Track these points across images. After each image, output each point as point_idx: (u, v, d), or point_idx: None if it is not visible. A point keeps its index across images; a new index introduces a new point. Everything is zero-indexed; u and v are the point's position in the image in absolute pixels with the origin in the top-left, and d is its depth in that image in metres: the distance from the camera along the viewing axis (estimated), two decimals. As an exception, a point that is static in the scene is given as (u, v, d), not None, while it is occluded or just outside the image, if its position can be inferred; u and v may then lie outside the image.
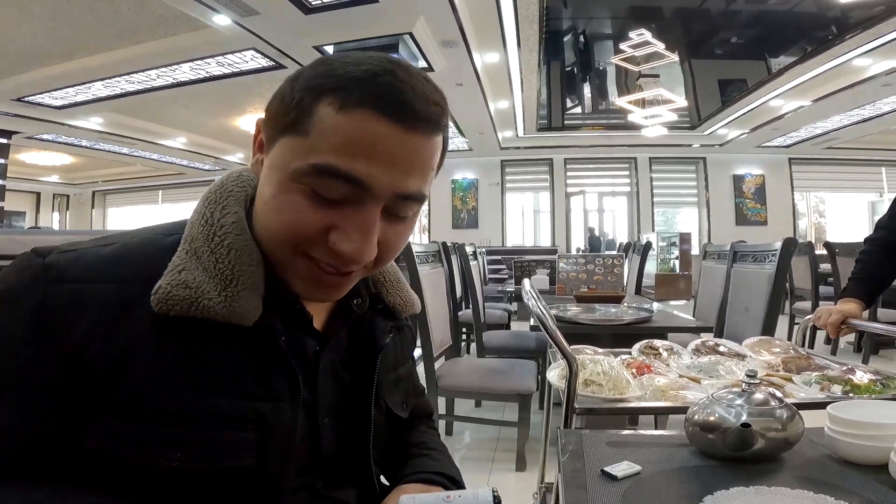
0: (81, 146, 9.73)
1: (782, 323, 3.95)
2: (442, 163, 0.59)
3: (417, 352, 2.34)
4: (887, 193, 10.65)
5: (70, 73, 6.00)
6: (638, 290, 4.39)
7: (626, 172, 11.11)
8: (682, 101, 6.89)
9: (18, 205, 13.15)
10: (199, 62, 5.76)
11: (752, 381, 0.81)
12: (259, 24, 4.78)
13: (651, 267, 7.77)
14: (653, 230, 10.24)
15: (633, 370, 1.23)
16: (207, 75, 6.15)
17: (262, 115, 0.58)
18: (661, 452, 0.79)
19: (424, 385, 1.20)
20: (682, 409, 0.86)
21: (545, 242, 11.06)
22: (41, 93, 6.65)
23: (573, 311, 2.56)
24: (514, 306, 5.13)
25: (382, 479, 0.75)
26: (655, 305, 3.02)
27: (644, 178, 10.90)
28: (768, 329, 2.05)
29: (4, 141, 8.38)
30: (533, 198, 11.63)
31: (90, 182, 14.22)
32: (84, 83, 6.32)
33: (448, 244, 3.35)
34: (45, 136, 8.87)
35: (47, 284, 0.52)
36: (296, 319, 0.61)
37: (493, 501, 0.56)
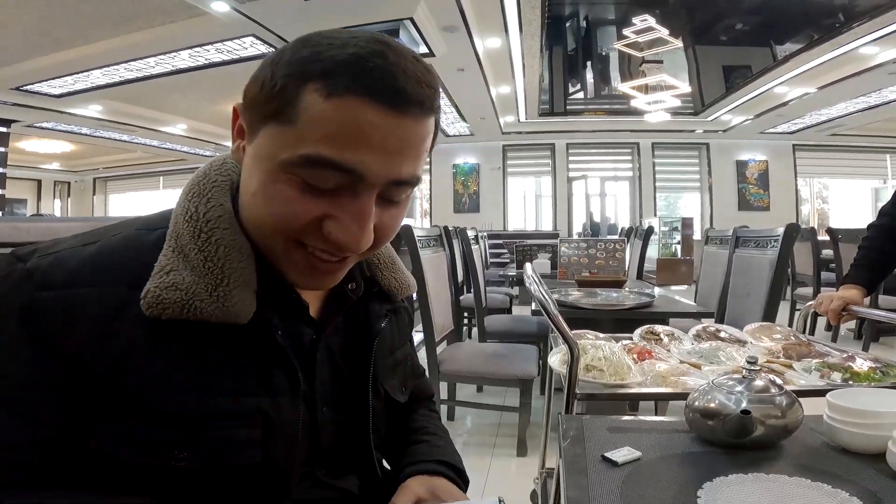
0: (81, 134, 9.69)
1: (783, 309, 3.95)
2: (434, 143, 0.57)
3: (419, 336, 2.37)
4: (891, 180, 10.60)
5: (69, 61, 5.95)
6: (639, 275, 4.40)
7: (629, 157, 11.04)
8: (685, 87, 6.83)
9: (20, 192, 13.15)
10: (198, 49, 5.71)
11: (752, 368, 0.81)
12: (258, 10, 4.73)
13: (653, 252, 7.74)
14: (655, 215, 10.20)
15: (634, 355, 1.24)
16: (207, 62, 6.09)
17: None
18: (662, 438, 0.79)
19: (426, 369, 1.20)
20: (683, 396, 0.86)
21: (547, 227, 11.01)
22: (40, 81, 6.60)
23: (575, 295, 2.57)
24: (515, 290, 5.14)
25: (385, 463, 0.75)
26: (657, 290, 3.03)
27: (647, 163, 10.85)
28: (769, 315, 2.06)
29: (4, 130, 8.35)
30: (535, 182, 11.56)
31: (91, 169, 14.17)
32: (83, 71, 6.27)
33: (450, 228, 3.34)
34: (44, 125, 8.83)
35: (33, 291, 0.50)
36: (292, 310, 0.61)
37: None
